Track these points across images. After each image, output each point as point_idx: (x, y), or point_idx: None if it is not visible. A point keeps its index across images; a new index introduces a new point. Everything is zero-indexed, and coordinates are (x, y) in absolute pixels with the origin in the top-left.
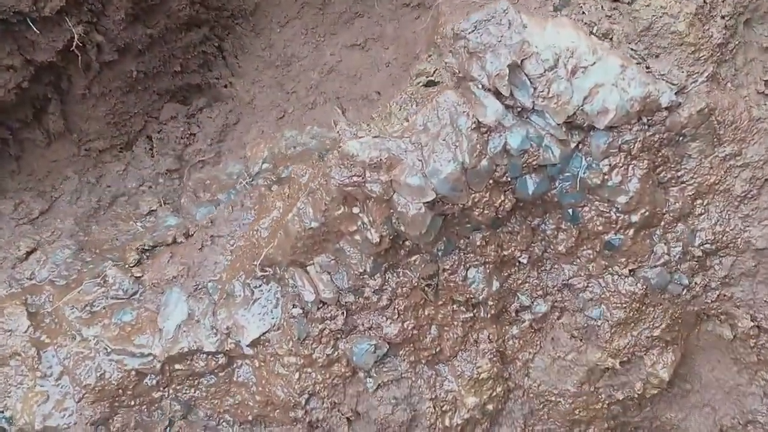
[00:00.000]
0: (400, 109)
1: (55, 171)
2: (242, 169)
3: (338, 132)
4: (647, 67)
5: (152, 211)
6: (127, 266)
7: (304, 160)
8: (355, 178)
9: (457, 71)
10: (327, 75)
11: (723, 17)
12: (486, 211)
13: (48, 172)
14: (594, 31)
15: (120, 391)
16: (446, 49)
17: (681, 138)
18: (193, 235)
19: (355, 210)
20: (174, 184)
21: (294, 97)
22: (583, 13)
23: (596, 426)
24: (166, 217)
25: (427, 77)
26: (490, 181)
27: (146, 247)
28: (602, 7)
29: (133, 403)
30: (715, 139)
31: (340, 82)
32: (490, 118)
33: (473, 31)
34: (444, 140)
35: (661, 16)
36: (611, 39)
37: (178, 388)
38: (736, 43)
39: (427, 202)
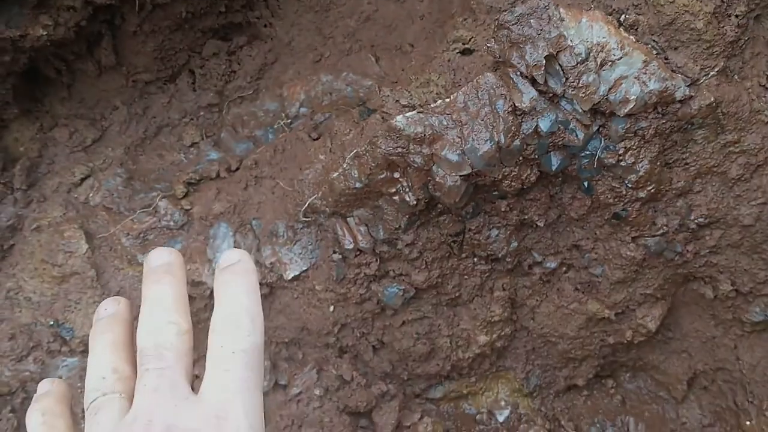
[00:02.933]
0: (438, 77)
1: (104, 100)
2: (278, 107)
3: (381, 97)
4: (666, 59)
5: (195, 143)
6: (176, 198)
7: (341, 112)
8: (399, 150)
9: (497, 56)
10: (363, 23)
11: (737, 16)
12: (513, 183)
13: (97, 100)
14: (621, 20)
15: None
16: (481, 16)
17: (689, 126)
18: (235, 171)
19: (396, 175)
20: (214, 117)
21: (331, 42)
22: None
23: (588, 363)
24: (208, 151)
25: (463, 44)
26: (520, 158)
27: (192, 181)
28: None
29: None
30: (719, 128)
31: (376, 31)
32: (525, 103)
33: (516, 23)
34: (482, 120)
35: (682, 14)
36: (636, 30)
37: None
38: (746, 38)
39: (463, 175)
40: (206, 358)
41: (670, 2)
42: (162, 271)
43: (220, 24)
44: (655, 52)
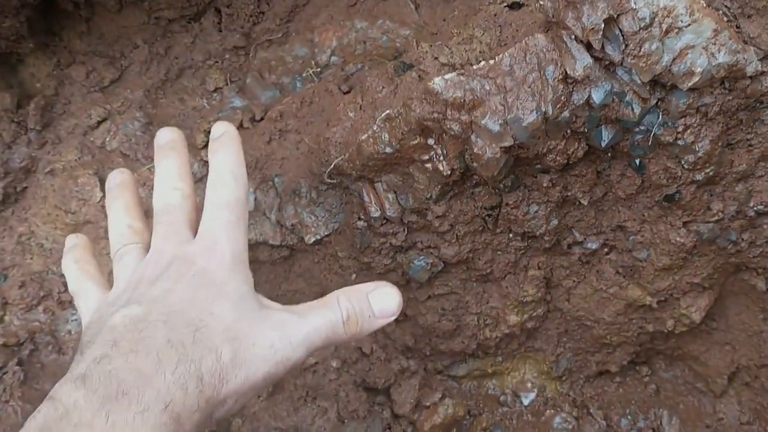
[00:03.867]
0: (482, 33)
1: (125, 37)
2: (308, 53)
3: (419, 53)
4: (737, 27)
5: (218, 88)
6: (196, 148)
7: (375, 64)
8: (435, 115)
9: (550, 16)
10: None
11: None
12: (559, 158)
13: (117, 37)
14: None
15: None
16: None
17: (758, 104)
18: (259, 121)
19: (431, 141)
20: (240, 60)
21: None
22: None
23: (623, 349)
24: (231, 98)
25: None
26: (568, 131)
27: None
28: None
29: None
30: None
31: None
32: (578, 72)
33: None
34: (529, 87)
35: None
36: None
37: None
38: None
39: (504, 147)
40: (203, 210)
41: None
42: (168, 147)
43: None
44: (726, 19)
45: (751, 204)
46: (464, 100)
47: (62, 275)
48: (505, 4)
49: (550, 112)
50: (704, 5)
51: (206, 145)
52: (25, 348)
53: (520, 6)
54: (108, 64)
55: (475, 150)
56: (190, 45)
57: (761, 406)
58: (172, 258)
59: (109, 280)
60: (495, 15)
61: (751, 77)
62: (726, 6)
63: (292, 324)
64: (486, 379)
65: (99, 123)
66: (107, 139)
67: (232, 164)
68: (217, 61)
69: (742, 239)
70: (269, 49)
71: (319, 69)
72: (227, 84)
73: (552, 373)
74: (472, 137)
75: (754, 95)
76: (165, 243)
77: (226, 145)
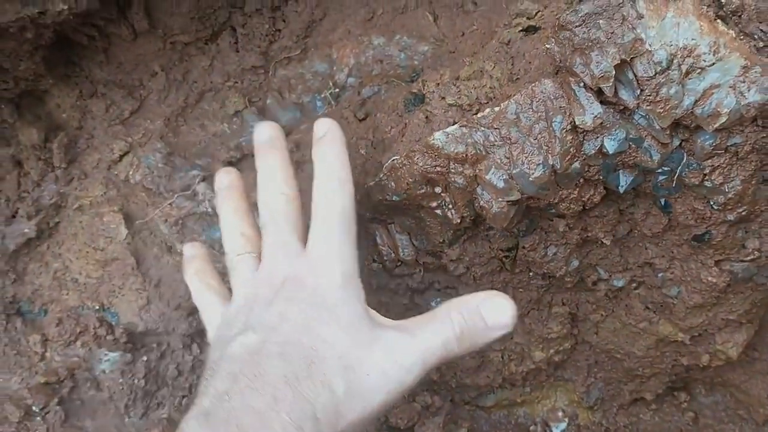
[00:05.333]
0: (493, 66)
1: (143, 65)
2: (328, 68)
3: (428, 90)
4: None
5: (238, 111)
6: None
7: (390, 87)
8: (438, 169)
9: (558, 61)
10: None
11: None
12: (573, 206)
13: (136, 65)
14: (723, 1)
15: None
16: None
17: None
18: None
19: (438, 190)
20: (259, 80)
21: None
22: None
23: (657, 379)
24: (252, 121)
25: (527, 18)
26: (580, 180)
27: (233, 160)
28: None
29: None
30: None
31: None
32: (588, 122)
33: (581, 25)
34: (536, 139)
35: None
36: (740, 17)
37: None
38: None
39: (511, 201)
40: (311, 220)
41: None
42: (267, 146)
43: None
44: (761, 44)
45: None
46: (467, 155)
47: (97, 309)
48: (520, 27)
49: (558, 166)
50: (733, 36)
51: None
52: (65, 386)
53: (536, 30)
54: (127, 95)
55: (482, 203)
56: (208, 68)
57: None
58: (284, 278)
59: (226, 283)
60: (508, 43)
61: None
62: (762, 30)
63: (404, 346)
64: (516, 407)
65: (121, 157)
66: (130, 172)
67: (338, 169)
68: (236, 82)
69: None
70: (288, 67)
71: (337, 90)
72: (247, 106)
73: (583, 403)
74: (478, 190)
75: None
76: (275, 259)
77: (329, 147)
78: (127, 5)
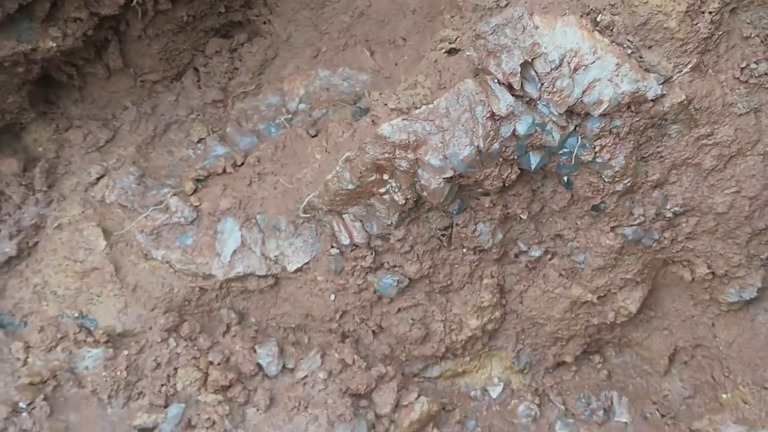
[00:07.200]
0: (425, 79)
1: (115, 101)
2: (280, 101)
3: (372, 100)
4: (640, 57)
5: (202, 139)
6: (185, 194)
7: (337, 108)
8: (386, 155)
9: (476, 64)
10: (357, 18)
11: (710, 13)
12: (495, 182)
13: (108, 101)
14: (598, 19)
15: (186, 302)
16: (468, 14)
17: (663, 121)
18: (240, 166)
19: (386, 176)
20: (219, 113)
21: (327, 37)
22: None
23: (575, 341)
24: (214, 146)
25: (449, 43)
26: (500, 159)
27: (200, 177)
28: None
29: (197, 311)
30: (692, 122)
31: (369, 25)
32: (502, 110)
33: (492, 33)
34: (463, 126)
35: (656, 14)
36: (612, 30)
37: (233, 300)
38: (720, 33)
39: (446, 178)
40: None
41: (644, 3)
42: None
43: (221, 23)
44: (629, 51)
45: (668, 206)
46: (409, 141)
47: (76, 317)
48: (444, 50)
49: (482, 146)
50: (607, 43)
51: (195, 191)
52: (49, 385)
53: (457, 51)
54: (102, 126)
55: (423, 182)
56: (174, 102)
57: (700, 382)
58: None
59: None
60: (435, 61)
61: (653, 100)
62: (629, 40)
63: None
64: (457, 377)
65: (98, 179)
66: (106, 192)
67: None
68: (199, 115)
69: (664, 237)
70: (245, 100)
71: (290, 115)
72: (209, 134)
73: (515, 368)
74: (419, 171)
75: (658, 115)
76: None
77: None
78: (104, 47)
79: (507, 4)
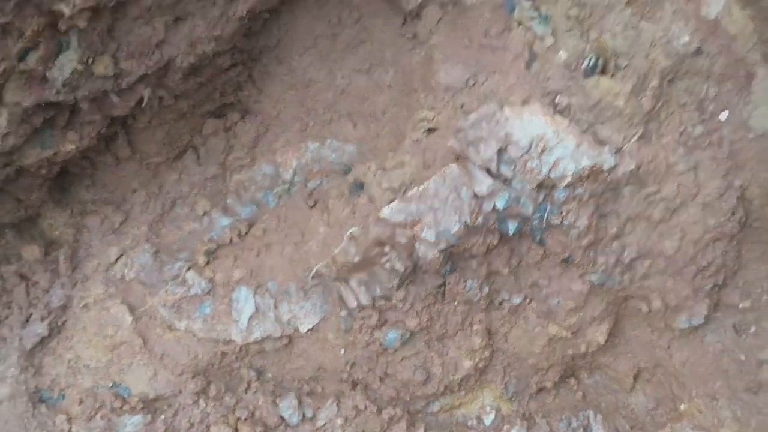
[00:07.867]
0: (410, 158)
1: (124, 184)
2: (274, 170)
3: (365, 173)
4: (594, 132)
5: (206, 212)
6: (200, 267)
7: (330, 178)
8: (387, 233)
9: (458, 152)
10: (339, 95)
11: (652, 89)
12: (480, 248)
13: (118, 185)
14: (556, 101)
15: (210, 366)
16: (440, 93)
17: (618, 185)
18: (245, 235)
19: (386, 249)
20: (219, 186)
21: (313, 113)
22: (548, 79)
23: (553, 370)
24: (219, 218)
25: (428, 123)
26: (484, 229)
27: (211, 249)
28: (563, 75)
29: (219, 372)
30: (641, 184)
31: (351, 101)
32: (483, 191)
33: (470, 128)
34: (451, 205)
35: (606, 95)
36: (569, 111)
37: (252, 359)
38: (660, 104)
39: (441, 249)
40: None
41: (595, 87)
42: None
43: (216, 106)
44: (585, 127)
45: (626, 254)
46: (406, 221)
47: (110, 387)
48: (423, 129)
49: (469, 221)
50: (567, 124)
51: (208, 263)
52: None
53: (435, 130)
54: (116, 209)
55: (420, 254)
56: (178, 180)
57: (660, 396)
58: None
59: None
60: (417, 141)
61: (608, 170)
62: (584, 118)
63: None
64: (455, 409)
65: (116, 259)
66: (126, 271)
67: None
68: (201, 190)
69: (624, 279)
70: (241, 172)
71: (287, 185)
72: (212, 207)
73: (504, 397)
74: (416, 245)
75: (614, 181)
76: None
77: None
78: (112, 139)
79: (474, 84)
